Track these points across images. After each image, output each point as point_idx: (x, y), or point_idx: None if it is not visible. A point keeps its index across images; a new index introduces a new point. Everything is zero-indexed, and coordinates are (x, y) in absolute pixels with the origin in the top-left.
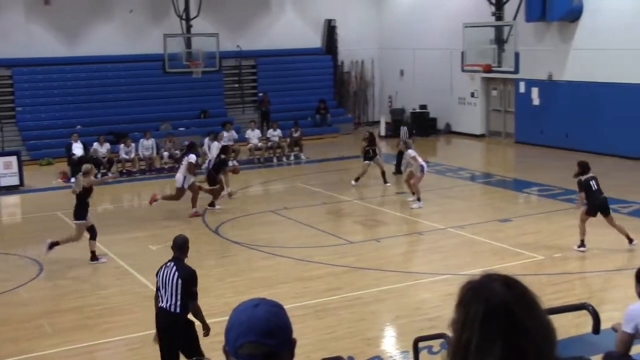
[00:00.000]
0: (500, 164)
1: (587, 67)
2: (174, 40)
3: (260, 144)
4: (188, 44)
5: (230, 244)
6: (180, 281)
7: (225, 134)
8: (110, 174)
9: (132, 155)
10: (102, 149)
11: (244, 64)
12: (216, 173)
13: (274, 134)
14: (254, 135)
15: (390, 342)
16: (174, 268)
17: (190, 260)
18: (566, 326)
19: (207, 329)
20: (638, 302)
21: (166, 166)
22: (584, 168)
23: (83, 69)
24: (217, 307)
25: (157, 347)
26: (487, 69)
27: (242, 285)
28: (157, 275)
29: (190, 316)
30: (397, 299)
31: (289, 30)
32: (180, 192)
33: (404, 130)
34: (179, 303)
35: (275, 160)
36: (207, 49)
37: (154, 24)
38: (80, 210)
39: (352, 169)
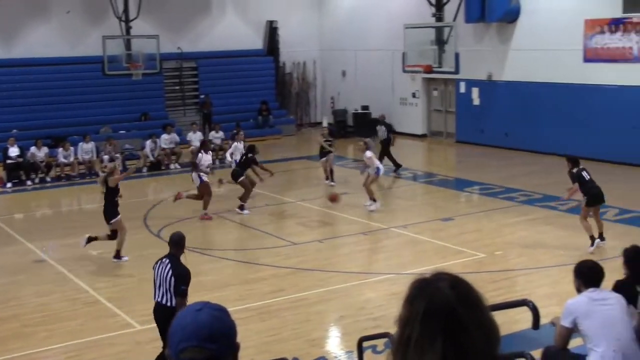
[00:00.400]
0: (441, 163)
1: (525, 67)
2: (113, 42)
3: None
4: (128, 45)
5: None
6: (173, 278)
7: (166, 136)
8: (130, 167)
9: (71, 159)
10: (39, 153)
11: (185, 65)
12: (243, 170)
13: (216, 136)
14: (195, 138)
15: (334, 343)
16: (169, 265)
17: (133, 266)
18: (507, 322)
19: None
20: (576, 297)
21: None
22: (574, 162)
23: (19, 71)
24: None
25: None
26: (428, 69)
27: None
28: (153, 269)
29: None
30: (341, 299)
31: (230, 31)
32: (203, 188)
33: (382, 129)
34: (172, 298)
35: (217, 162)
36: (148, 50)
37: (92, 25)
38: (111, 208)
39: (295, 170)
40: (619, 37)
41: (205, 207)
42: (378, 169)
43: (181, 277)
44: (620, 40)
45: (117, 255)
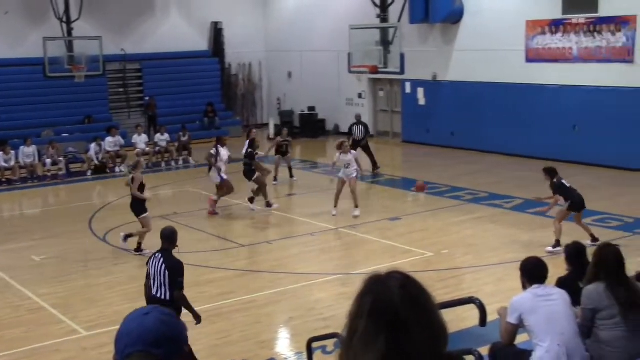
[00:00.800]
0: (388, 163)
1: (469, 67)
2: (54, 43)
3: (147, 148)
4: (70, 47)
5: (120, 251)
6: (167, 272)
7: (110, 139)
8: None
9: (12, 163)
10: None
11: (129, 67)
12: (251, 167)
13: (162, 138)
14: (141, 140)
15: (284, 344)
16: (162, 259)
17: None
18: (455, 320)
19: (196, 318)
20: (521, 293)
21: (49, 174)
22: (552, 173)
23: None
24: (106, 316)
25: None
26: (374, 70)
27: (133, 292)
28: (147, 264)
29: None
30: (290, 300)
31: (175, 33)
32: (225, 185)
33: (359, 128)
34: (168, 291)
35: (163, 165)
36: (90, 52)
37: (32, 26)
38: (139, 204)
39: (242, 171)
40: (559, 38)
41: (216, 200)
42: (358, 171)
43: (175, 270)
44: (561, 41)
45: (139, 249)
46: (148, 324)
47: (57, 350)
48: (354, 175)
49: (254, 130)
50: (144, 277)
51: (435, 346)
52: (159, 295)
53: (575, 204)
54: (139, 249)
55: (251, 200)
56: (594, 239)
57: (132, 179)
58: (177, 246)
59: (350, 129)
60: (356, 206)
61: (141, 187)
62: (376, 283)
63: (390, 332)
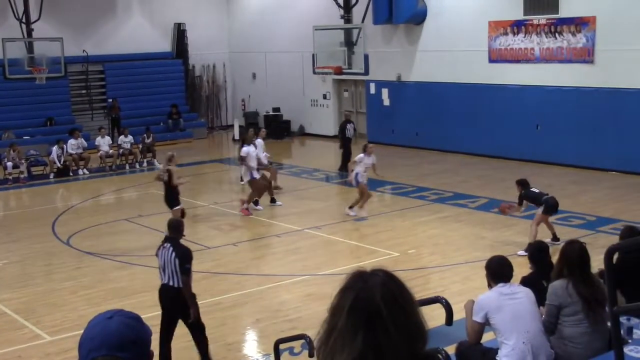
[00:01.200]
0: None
1: (433, 68)
2: (14, 44)
3: (111, 151)
4: (30, 48)
5: (83, 255)
6: (177, 260)
7: (73, 141)
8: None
9: None
10: None
11: (91, 69)
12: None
13: (126, 140)
14: (104, 143)
15: (251, 346)
16: (171, 248)
17: (40, 275)
18: None
19: (194, 313)
20: (487, 292)
21: (10, 177)
22: (524, 185)
23: None
24: (70, 320)
25: None
26: (338, 70)
27: (97, 297)
28: (156, 255)
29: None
30: (257, 302)
31: (137, 34)
32: (256, 183)
33: (352, 126)
34: (179, 279)
35: (127, 167)
36: (51, 54)
37: None
38: (172, 196)
39: (207, 173)
40: (521, 39)
41: (249, 202)
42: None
43: (184, 257)
44: (523, 42)
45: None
46: (111, 328)
47: (20, 356)
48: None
49: (264, 130)
50: (107, 281)
51: (413, 346)
52: (170, 283)
53: (550, 207)
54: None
55: (272, 200)
56: (555, 238)
57: (169, 171)
58: (184, 235)
59: (344, 127)
60: (351, 207)
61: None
62: (358, 279)
63: (369, 329)
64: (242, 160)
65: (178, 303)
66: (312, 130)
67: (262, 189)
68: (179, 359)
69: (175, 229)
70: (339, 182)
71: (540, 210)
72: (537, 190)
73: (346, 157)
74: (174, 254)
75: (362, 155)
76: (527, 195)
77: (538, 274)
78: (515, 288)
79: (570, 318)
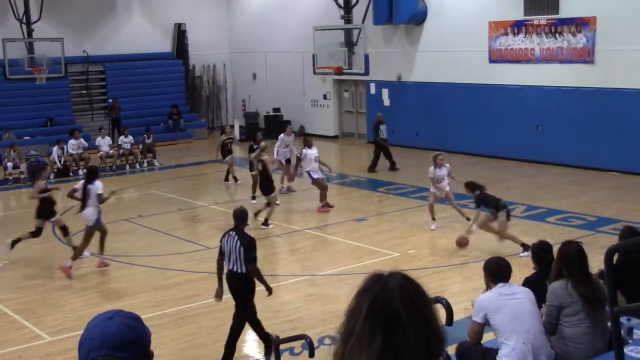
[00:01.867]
0: (354, 164)
1: (433, 68)
2: (14, 45)
3: (111, 151)
4: (30, 49)
5: (84, 255)
6: (242, 248)
7: (73, 141)
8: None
9: None
10: None
11: (92, 69)
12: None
13: (126, 140)
14: (104, 143)
15: (252, 346)
16: (236, 237)
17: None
18: None
19: (268, 289)
20: (487, 292)
21: (10, 177)
22: (473, 187)
23: None
24: (71, 320)
25: None
26: (338, 71)
27: (97, 297)
28: (221, 241)
29: None
30: (257, 301)
31: (138, 34)
32: (316, 183)
33: (383, 127)
34: (243, 266)
35: (127, 167)
36: (52, 54)
37: None
38: (268, 184)
39: (207, 173)
40: (522, 39)
41: (323, 199)
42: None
43: (249, 246)
44: (523, 42)
45: (265, 223)
46: (111, 329)
47: (20, 357)
48: (447, 188)
49: (290, 127)
50: (107, 282)
51: (430, 351)
52: (235, 269)
53: (509, 213)
54: (266, 223)
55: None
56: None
57: (262, 161)
58: (247, 224)
59: (377, 128)
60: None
61: (266, 167)
62: (376, 282)
63: (387, 333)
64: (299, 161)
65: (241, 287)
66: (312, 131)
67: (325, 186)
68: (179, 359)
69: (240, 219)
70: (338, 182)
71: (499, 215)
72: (491, 194)
73: (377, 158)
74: (239, 242)
75: (432, 169)
76: (481, 198)
77: (541, 274)
78: (515, 288)
79: (571, 318)
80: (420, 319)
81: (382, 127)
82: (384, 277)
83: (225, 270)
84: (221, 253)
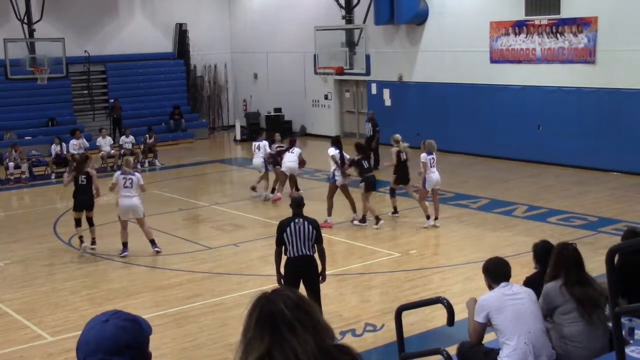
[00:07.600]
0: None
1: (434, 68)
2: (15, 45)
3: (112, 151)
4: (32, 49)
5: (85, 255)
6: (314, 231)
7: (74, 141)
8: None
9: None
10: None
11: (93, 69)
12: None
13: (127, 140)
14: (105, 143)
15: None
16: (304, 221)
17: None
18: (423, 320)
19: (323, 276)
20: (489, 293)
21: (12, 177)
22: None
23: None
24: (72, 320)
25: None
26: (340, 71)
27: (98, 297)
28: (284, 231)
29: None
30: None
31: (139, 34)
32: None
33: (367, 126)
34: (311, 247)
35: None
36: (53, 54)
37: None
38: (405, 175)
39: (209, 173)
40: (523, 39)
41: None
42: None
43: (317, 226)
44: (524, 42)
45: (363, 219)
46: (106, 332)
47: (22, 356)
48: (438, 176)
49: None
50: (108, 282)
51: (321, 340)
52: (302, 253)
53: (370, 184)
54: (363, 220)
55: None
56: (363, 219)
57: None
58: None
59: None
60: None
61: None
62: (261, 298)
63: (275, 332)
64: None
65: (309, 268)
66: (313, 131)
67: (284, 177)
68: (179, 359)
69: (299, 205)
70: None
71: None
72: (367, 165)
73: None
74: (310, 226)
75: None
76: (358, 163)
77: (542, 273)
78: (516, 288)
79: (567, 316)
80: (304, 314)
81: (368, 125)
82: (267, 292)
83: (284, 259)
84: (280, 244)
